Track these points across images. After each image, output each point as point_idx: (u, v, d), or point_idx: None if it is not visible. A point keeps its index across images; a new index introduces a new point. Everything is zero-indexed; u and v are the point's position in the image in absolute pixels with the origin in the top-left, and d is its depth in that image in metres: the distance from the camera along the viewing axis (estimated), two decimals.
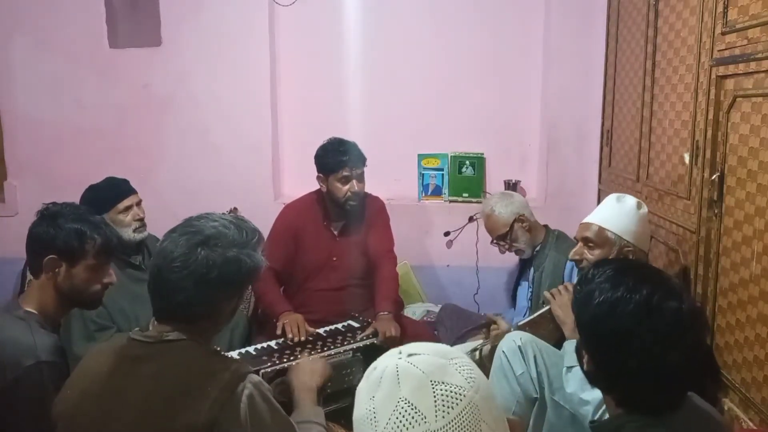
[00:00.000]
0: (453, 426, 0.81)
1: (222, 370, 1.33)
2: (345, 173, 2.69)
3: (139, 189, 2.63)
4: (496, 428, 0.86)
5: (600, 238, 2.10)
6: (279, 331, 2.45)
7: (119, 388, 1.33)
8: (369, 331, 2.47)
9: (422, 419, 0.81)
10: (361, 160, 2.74)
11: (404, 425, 0.81)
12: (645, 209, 2.15)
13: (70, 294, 1.69)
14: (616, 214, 2.12)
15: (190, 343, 1.37)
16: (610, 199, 2.18)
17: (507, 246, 2.71)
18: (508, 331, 2.26)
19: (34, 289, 1.70)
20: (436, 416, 0.81)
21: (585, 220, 2.17)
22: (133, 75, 3.53)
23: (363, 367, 2.28)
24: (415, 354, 0.89)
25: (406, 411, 0.82)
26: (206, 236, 1.36)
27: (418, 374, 0.85)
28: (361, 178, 2.74)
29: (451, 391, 0.83)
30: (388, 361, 0.89)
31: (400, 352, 0.90)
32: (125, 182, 2.59)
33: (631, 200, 2.15)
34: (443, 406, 0.82)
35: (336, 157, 2.69)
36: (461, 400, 0.83)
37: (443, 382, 0.84)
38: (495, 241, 2.76)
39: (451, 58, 3.51)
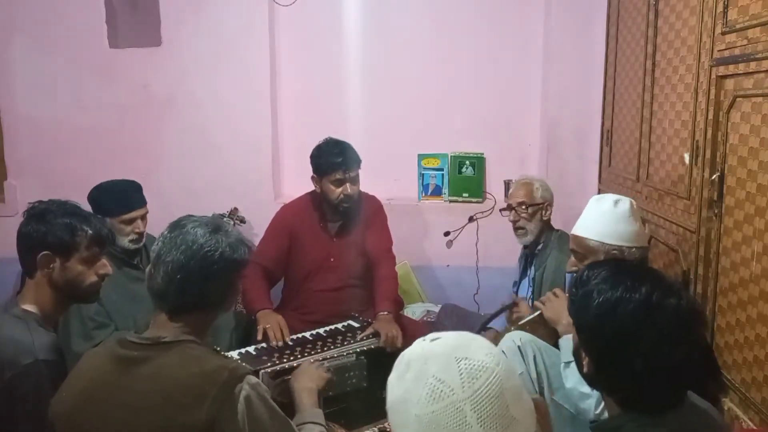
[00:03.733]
0: (479, 395, 0.89)
1: (220, 369, 1.33)
2: (338, 176, 2.68)
3: None
4: (519, 398, 0.94)
5: (583, 247, 2.06)
6: (260, 336, 2.41)
7: (117, 389, 1.33)
8: (369, 331, 2.47)
9: (450, 391, 0.89)
10: (356, 162, 2.72)
11: (434, 398, 0.90)
12: (624, 206, 2.04)
13: (66, 288, 1.69)
14: (595, 219, 2.07)
15: (188, 344, 1.37)
16: (590, 203, 2.14)
17: (519, 216, 2.66)
18: (529, 314, 2.28)
19: (30, 287, 1.69)
20: (463, 387, 0.89)
21: (571, 231, 2.14)
22: (133, 75, 3.53)
23: (366, 370, 2.28)
24: (438, 338, 0.98)
25: (435, 386, 0.90)
26: (216, 225, 1.45)
27: (442, 353, 0.94)
28: (354, 181, 2.72)
29: (474, 365, 0.91)
30: (414, 348, 0.99)
31: (424, 339, 0.99)
32: (137, 191, 2.57)
33: (608, 200, 2.08)
34: (468, 378, 0.90)
35: (330, 159, 2.68)
36: (484, 371, 0.91)
37: (466, 358, 0.92)
38: (513, 207, 2.69)
39: (451, 57, 3.51)
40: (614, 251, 2.01)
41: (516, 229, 2.71)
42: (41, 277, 1.67)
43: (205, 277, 1.39)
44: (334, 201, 2.71)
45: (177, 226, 1.44)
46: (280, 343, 2.38)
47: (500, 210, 2.84)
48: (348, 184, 2.69)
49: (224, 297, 1.47)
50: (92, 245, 1.71)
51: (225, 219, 3.08)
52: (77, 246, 1.68)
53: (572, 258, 2.15)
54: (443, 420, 0.89)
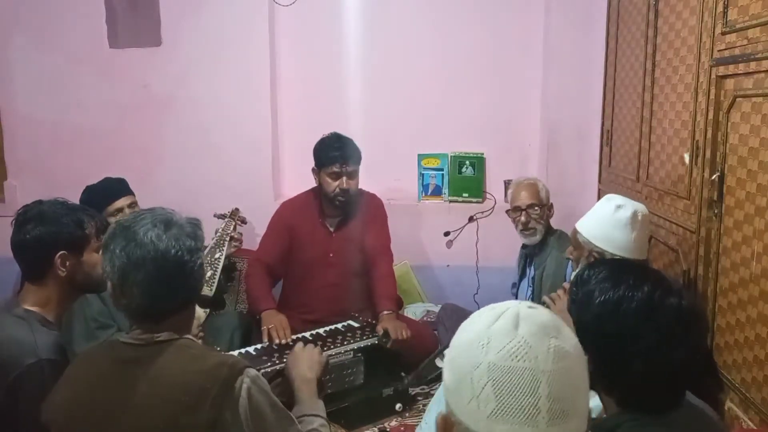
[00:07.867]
0: (558, 373, 0.86)
1: (219, 365, 1.32)
2: (335, 169, 2.70)
3: (139, 189, 2.63)
4: (584, 395, 0.93)
5: (575, 240, 2.15)
6: (265, 338, 2.45)
7: (114, 392, 1.31)
8: (378, 329, 2.48)
9: (534, 358, 0.86)
10: (354, 157, 2.74)
11: (516, 356, 0.86)
12: (625, 213, 2.03)
13: (83, 282, 1.71)
14: (593, 217, 2.12)
15: (184, 341, 1.36)
16: (600, 201, 2.19)
17: (531, 218, 2.68)
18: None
19: (32, 289, 1.68)
20: (547, 360, 0.86)
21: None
22: (133, 75, 3.53)
23: (364, 367, 2.29)
24: (536, 308, 0.94)
25: (521, 346, 0.87)
26: (165, 219, 1.37)
27: (538, 322, 0.90)
28: (352, 176, 2.74)
29: (563, 347, 0.89)
30: (510, 304, 0.95)
31: (520, 304, 0.96)
32: (119, 182, 2.57)
33: (612, 203, 2.07)
34: (555, 355, 0.87)
35: (329, 152, 2.70)
36: (570, 357, 0.89)
37: (557, 337, 0.89)
38: (523, 209, 2.70)
39: (451, 57, 3.51)
40: (596, 253, 2.04)
41: (526, 229, 2.71)
42: (54, 278, 1.66)
43: (184, 276, 1.36)
44: (330, 194, 2.73)
45: (127, 237, 1.34)
46: (284, 341, 2.41)
47: (506, 211, 2.82)
48: (345, 178, 2.71)
49: (200, 284, 1.44)
50: (99, 233, 1.73)
51: (227, 219, 3.07)
52: (89, 238, 1.70)
53: (570, 246, 2.22)
54: (516, 380, 0.85)
